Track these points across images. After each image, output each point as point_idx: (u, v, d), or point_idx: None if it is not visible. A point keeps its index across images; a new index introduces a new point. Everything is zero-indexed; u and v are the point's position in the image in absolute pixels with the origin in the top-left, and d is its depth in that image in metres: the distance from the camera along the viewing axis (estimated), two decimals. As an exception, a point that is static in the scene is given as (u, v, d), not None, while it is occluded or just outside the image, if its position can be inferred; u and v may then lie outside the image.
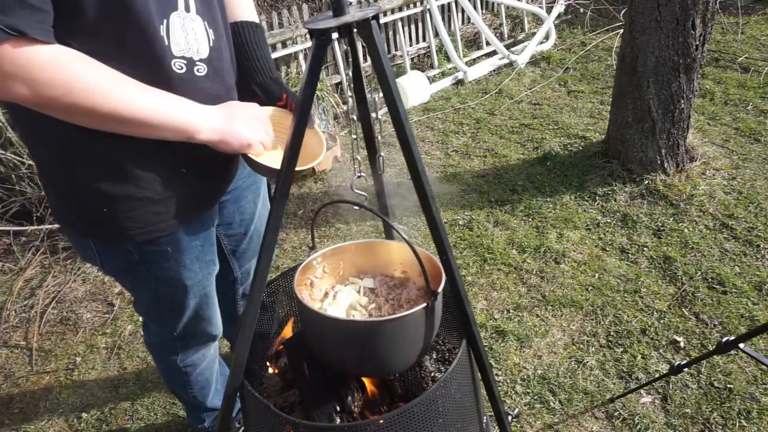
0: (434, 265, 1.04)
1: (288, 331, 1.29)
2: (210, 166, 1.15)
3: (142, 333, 2.40)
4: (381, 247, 1.19)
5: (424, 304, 0.96)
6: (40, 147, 1.06)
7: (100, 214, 1.07)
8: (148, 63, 0.95)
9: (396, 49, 4.89)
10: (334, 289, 1.18)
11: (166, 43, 0.96)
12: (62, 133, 0.96)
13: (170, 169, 1.08)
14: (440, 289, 0.99)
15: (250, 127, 1.05)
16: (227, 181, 1.27)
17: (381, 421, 0.95)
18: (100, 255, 1.19)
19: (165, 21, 0.95)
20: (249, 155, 1.08)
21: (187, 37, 1.00)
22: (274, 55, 3.89)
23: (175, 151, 1.05)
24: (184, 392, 1.61)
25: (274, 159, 1.09)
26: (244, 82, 1.21)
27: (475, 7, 5.20)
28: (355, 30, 0.88)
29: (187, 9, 1.00)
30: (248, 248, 1.53)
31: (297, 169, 0.98)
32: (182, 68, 1.00)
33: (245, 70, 1.20)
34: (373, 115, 1.07)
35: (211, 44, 1.05)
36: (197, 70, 1.03)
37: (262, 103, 1.17)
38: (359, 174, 1.10)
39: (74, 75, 0.85)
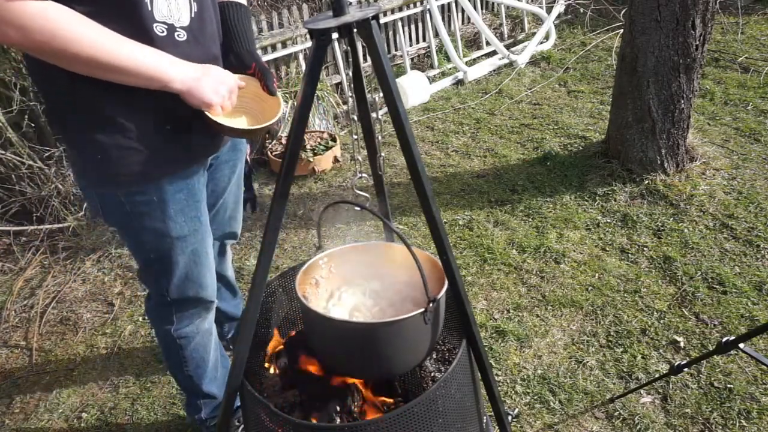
0: (437, 269, 1.03)
1: (287, 330, 1.29)
2: (194, 125, 1.25)
3: (141, 333, 2.41)
4: (388, 250, 1.19)
5: (422, 309, 0.95)
6: (51, 94, 1.19)
7: (95, 161, 1.20)
8: (133, 24, 1.09)
9: (396, 49, 4.89)
10: (340, 289, 1.18)
11: (149, 9, 1.09)
12: (65, 82, 1.10)
13: (155, 123, 1.21)
14: (440, 295, 0.99)
15: (213, 89, 1.18)
16: (213, 144, 1.37)
17: (380, 421, 0.95)
18: (101, 206, 1.32)
19: None
20: (207, 113, 1.19)
21: (170, 5, 1.13)
22: (274, 55, 3.89)
23: (160, 107, 1.18)
24: (180, 371, 1.65)
25: (235, 123, 1.24)
26: (224, 51, 1.34)
27: (475, 7, 5.20)
28: (355, 30, 0.88)
29: None
30: (214, 219, 1.61)
31: (251, 128, 1.12)
32: (163, 32, 1.13)
33: (226, 41, 1.34)
34: (373, 115, 1.07)
35: (193, 15, 1.18)
36: (177, 35, 1.16)
37: (235, 71, 1.29)
38: (360, 174, 1.10)
39: (59, 25, 0.99)
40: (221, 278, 1.88)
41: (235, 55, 1.33)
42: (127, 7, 1.07)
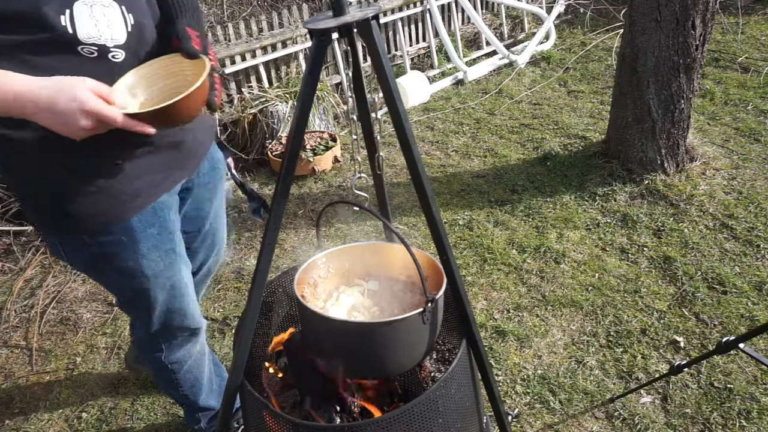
0: (436, 269, 1.03)
1: (287, 330, 1.29)
2: (146, 156, 1.16)
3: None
4: (387, 250, 1.19)
5: (420, 309, 0.95)
6: None
7: (51, 208, 1.12)
8: (57, 51, 0.98)
9: (396, 49, 4.89)
10: (338, 289, 1.18)
11: (71, 32, 0.98)
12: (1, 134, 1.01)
13: (102, 161, 1.11)
14: (438, 295, 0.99)
15: (63, 124, 0.97)
16: (180, 169, 1.26)
17: (380, 421, 0.95)
18: (64, 250, 1.23)
19: (67, 11, 0.98)
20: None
21: (98, 24, 1.01)
22: (274, 55, 3.89)
23: (102, 142, 1.05)
24: (175, 390, 1.62)
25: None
26: (163, 27, 1.17)
27: (475, 7, 5.20)
28: (355, 30, 0.88)
29: None
30: (201, 246, 1.53)
31: (171, 102, 0.97)
32: (93, 53, 1.02)
33: (165, 15, 1.17)
34: (373, 115, 1.07)
35: (129, 29, 1.06)
36: (113, 57, 1.04)
37: (178, 48, 1.11)
38: (359, 174, 1.10)
39: None
40: None
41: (176, 33, 1.13)
42: (45, 34, 0.96)
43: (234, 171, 1.52)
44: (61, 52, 0.99)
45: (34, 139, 1.03)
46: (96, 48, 1.01)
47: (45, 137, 1.01)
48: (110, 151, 1.10)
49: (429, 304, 0.96)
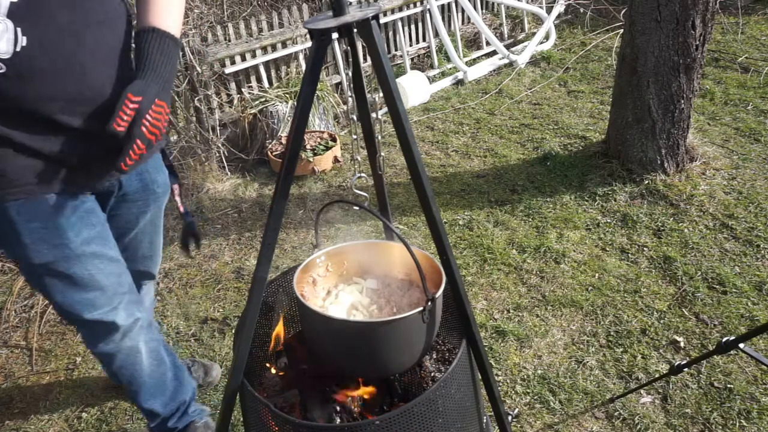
0: (435, 268, 1.03)
1: (287, 330, 1.29)
2: (48, 142, 1.17)
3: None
4: (385, 249, 1.19)
5: (420, 308, 0.95)
6: None
7: None
8: None
9: (396, 49, 4.89)
10: (337, 288, 1.18)
11: None
12: None
13: None
14: (438, 294, 0.99)
15: None
16: (77, 174, 1.25)
17: (380, 421, 0.95)
18: None
19: None
20: None
21: None
22: (274, 55, 3.88)
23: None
24: (117, 381, 1.62)
25: None
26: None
27: (475, 7, 5.20)
28: (355, 30, 0.88)
29: None
30: (122, 256, 1.50)
31: None
32: None
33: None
34: (373, 115, 1.07)
35: (18, 49, 1.06)
36: None
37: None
38: (359, 174, 1.10)
39: None
40: None
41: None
42: None
43: (178, 198, 1.51)
44: None
45: None
46: None
47: None
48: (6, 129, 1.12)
49: (429, 303, 0.96)
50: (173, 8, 1.21)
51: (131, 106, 1.07)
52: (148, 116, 1.08)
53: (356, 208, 1.04)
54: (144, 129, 1.08)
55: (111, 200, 1.43)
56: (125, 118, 1.06)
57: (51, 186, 1.23)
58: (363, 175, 1.10)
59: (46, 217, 1.25)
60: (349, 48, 0.94)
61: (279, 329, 1.32)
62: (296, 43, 3.99)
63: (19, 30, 1.06)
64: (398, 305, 1.12)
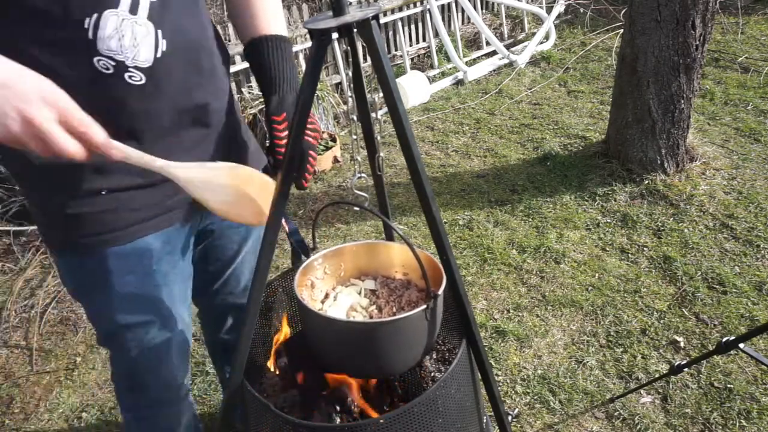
0: (435, 267, 1.03)
1: (287, 330, 1.29)
2: (134, 190, 1.05)
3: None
4: (382, 249, 1.19)
5: (424, 306, 0.95)
6: None
7: (38, 217, 1.06)
8: (71, 55, 0.89)
9: (396, 49, 4.89)
10: (335, 290, 1.18)
11: (90, 37, 0.88)
12: None
13: (80, 184, 0.99)
14: (441, 291, 0.99)
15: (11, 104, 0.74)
16: (174, 209, 1.12)
17: (381, 421, 0.94)
18: (57, 267, 1.15)
19: (95, 15, 0.89)
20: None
21: (122, 39, 0.91)
22: (274, 55, 3.89)
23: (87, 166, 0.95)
24: None
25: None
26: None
27: (475, 7, 5.20)
28: (355, 30, 0.88)
29: (133, 11, 0.92)
30: (221, 290, 1.42)
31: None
32: (109, 68, 0.91)
33: (264, 92, 1.09)
34: (373, 115, 1.07)
35: (159, 54, 0.95)
36: (130, 77, 0.93)
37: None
38: (359, 174, 1.10)
39: None
40: (216, 344, 1.63)
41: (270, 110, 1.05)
42: (60, 30, 0.87)
43: (286, 224, 1.31)
44: (75, 56, 0.89)
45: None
46: (113, 64, 0.91)
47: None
48: (93, 176, 0.99)
49: (432, 301, 0.96)
50: (278, 10, 1.14)
51: (282, 126, 1.01)
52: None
53: (356, 208, 1.04)
54: (309, 138, 1.03)
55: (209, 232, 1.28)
56: (283, 141, 1.01)
57: (150, 224, 1.09)
58: (363, 175, 1.10)
59: (143, 268, 1.10)
60: (349, 48, 0.94)
61: (279, 329, 1.32)
62: (296, 43, 3.99)
63: (159, 33, 0.95)
64: (397, 305, 1.12)
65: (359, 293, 1.16)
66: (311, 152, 1.05)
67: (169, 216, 1.12)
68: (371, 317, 1.10)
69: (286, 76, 1.08)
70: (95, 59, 0.90)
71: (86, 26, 0.88)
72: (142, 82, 0.94)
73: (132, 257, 1.08)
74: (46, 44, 0.87)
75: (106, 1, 0.90)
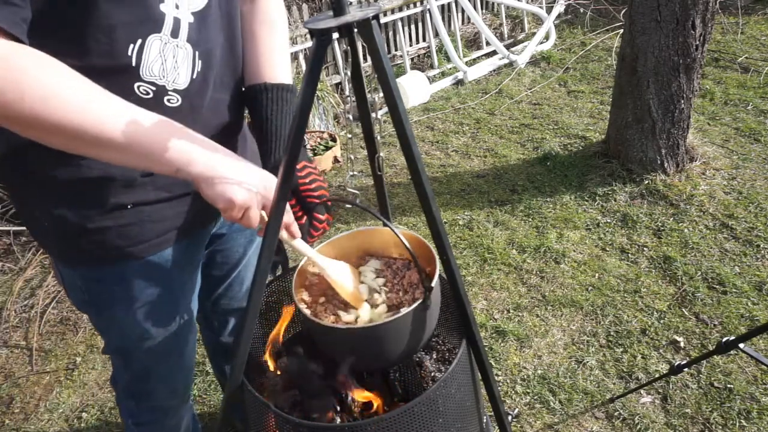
0: (426, 249, 1.05)
1: (286, 330, 1.29)
2: (158, 203, 1.04)
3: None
4: (375, 234, 1.20)
5: (421, 300, 0.96)
6: None
7: (43, 228, 1.02)
8: (112, 82, 0.85)
9: (396, 49, 4.89)
10: (332, 291, 1.17)
11: (133, 64, 0.87)
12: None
13: (108, 200, 0.98)
14: (436, 279, 1.00)
15: (238, 179, 0.86)
16: (197, 218, 1.12)
17: (381, 421, 0.95)
18: (63, 280, 1.12)
19: (139, 41, 0.87)
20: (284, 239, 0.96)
21: (164, 64, 0.90)
22: (274, 55, 3.89)
23: (117, 182, 0.95)
24: None
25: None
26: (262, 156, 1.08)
27: (475, 7, 5.20)
28: (355, 30, 0.88)
29: (174, 34, 0.90)
30: (226, 293, 1.42)
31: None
32: (149, 93, 0.91)
33: (260, 144, 1.08)
34: (373, 115, 1.07)
35: (194, 75, 0.95)
36: (168, 101, 0.93)
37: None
38: (353, 173, 1.10)
39: (33, 79, 0.71)
40: (217, 346, 1.64)
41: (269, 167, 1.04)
42: (104, 58, 0.84)
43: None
44: (117, 83, 0.85)
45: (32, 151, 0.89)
46: (153, 89, 0.91)
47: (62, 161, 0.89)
48: (122, 190, 0.99)
49: (428, 293, 0.97)
50: (284, 54, 1.10)
51: (302, 174, 1.02)
52: (302, 188, 1.03)
53: (348, 205, 1.04)
54: (314, 200, 1.05)
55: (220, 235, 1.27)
56: (310, 185, 1.04)
57: (184, 233, 1.10)
58: (356, 173, 1.10)
59: (164, 278, 1.10)
60: (349, 48, 0.94)
61: (279, 329, 1.32)
62: (296, 43, 3.99)
63: (196, 54, 0.94)
64: (401, 286, 1.12)
65: (373, 272, 1.16)
66: (316, 214, 1.07)
67: (190, 226, 1.12)
68: (390, 297, 1.11)
69: (281, 134, 1.06)
70: (136, 85, 0.89)
71: (129, 53, 0.86)
72: (179, 104, 0.95)
73: (154, 270, 1.08)
74: (86, 71, 0.81)
75: (151, 26, 0.88)
